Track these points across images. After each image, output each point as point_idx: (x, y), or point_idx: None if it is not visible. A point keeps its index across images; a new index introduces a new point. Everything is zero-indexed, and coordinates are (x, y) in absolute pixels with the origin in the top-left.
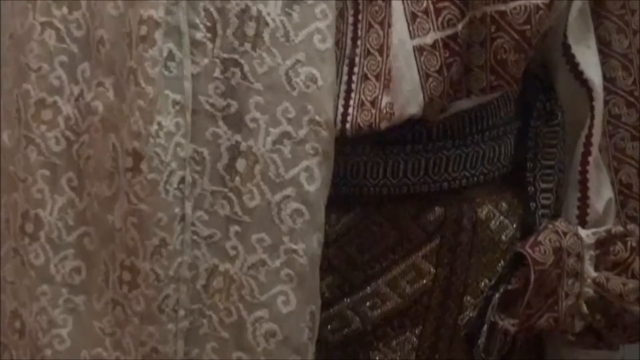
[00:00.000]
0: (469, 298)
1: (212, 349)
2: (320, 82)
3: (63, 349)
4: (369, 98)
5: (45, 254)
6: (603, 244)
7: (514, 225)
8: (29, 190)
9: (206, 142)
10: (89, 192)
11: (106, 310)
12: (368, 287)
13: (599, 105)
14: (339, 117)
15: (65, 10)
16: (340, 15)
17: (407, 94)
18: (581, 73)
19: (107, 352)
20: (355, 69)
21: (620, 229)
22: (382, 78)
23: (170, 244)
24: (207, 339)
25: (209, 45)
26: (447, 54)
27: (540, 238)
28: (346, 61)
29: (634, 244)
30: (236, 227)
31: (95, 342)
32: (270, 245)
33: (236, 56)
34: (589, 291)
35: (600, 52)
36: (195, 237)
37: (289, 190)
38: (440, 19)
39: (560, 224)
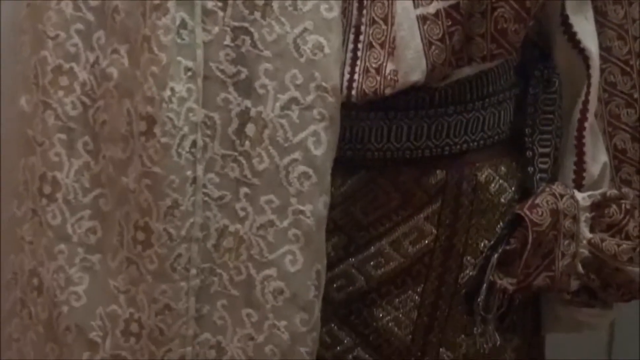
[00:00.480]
0: (469, 258)
1: (222, 306)
2: (327, 50)
3: (79, 305)
4: (374, 65)
5: (62, 214)
6: (598, 206)
7: (513, 189)
8: (46, 154)
9: (217, 108)
10: (104, 155)
11: (121, 268)
12: (372, 247)
13: (595, 73)
14: (345, 84)
15: None
16: None
17: (410, 61)
18: (578, 42)
19: (121, 308)
20: (361, 37)
21: (614, 192)
22: (387, 46)
23: (183, 205)
24: (218, 297)
25: (220, 13)
26: (449, 23)
27: (538, 200)
28: (352, 30)
29: (628, 207)
30: (246, 189)
31: (110, 299)
32: (279, 206)
33: (246, 24)
34: (584, 252)
35: (596, 22)
36: (206, 199)
37: (296, 154)
38: None
39: (557, 187)
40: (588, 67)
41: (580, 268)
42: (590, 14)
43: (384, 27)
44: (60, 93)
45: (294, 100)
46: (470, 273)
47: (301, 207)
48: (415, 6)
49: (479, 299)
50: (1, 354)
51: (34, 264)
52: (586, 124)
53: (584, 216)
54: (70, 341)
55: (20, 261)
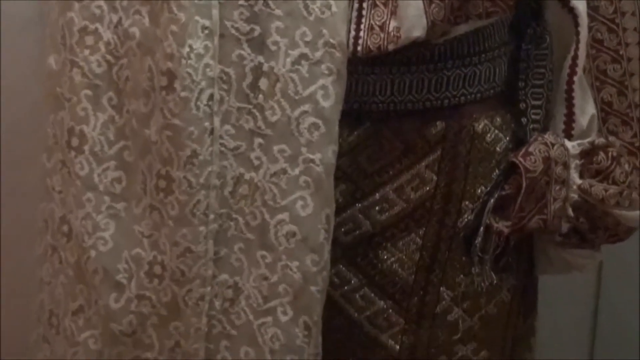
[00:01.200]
0: (467, 203)
1: (239, 249)
2: (334, 9)
3: (106, 249)
4: (378, 23)
5: (89, 165)
6: (587, 154)
7: (507, 138)
8: (74, 109)
9: (232, 63)
10: (127, 109)
11: (144, 214)
12: (377, 194)
13: (583, 31)
14: (351, 40)
15: None
16: None
17: (412, 19)
18: (568, 1)
19: (145, 252)
20: None
21: (602, 140)
22: (390, 5)
23: (201, 155)
24: (234, 240)
25: None
26: None
27: (531, 149)
28: None
29: (614, 154)
30: (259, 140)
31: (134, 244)
32: (290, 155)
33: None
34: (574, 196)
35: None
36: (222, 149)
37: (306, 106)
38: None
39: (549, 137)
40: (577, 25)
41: (570, 211)
42: None
43: None
44: (86, 52)
45: (303, 56)
46: (468, 217)
47: (311, 156)
48: None
49: (476, 241)
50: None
51: (63, 212)
52: (575, 78)
53: (574, 163)
54: (98, 283)
55: (50, 209)
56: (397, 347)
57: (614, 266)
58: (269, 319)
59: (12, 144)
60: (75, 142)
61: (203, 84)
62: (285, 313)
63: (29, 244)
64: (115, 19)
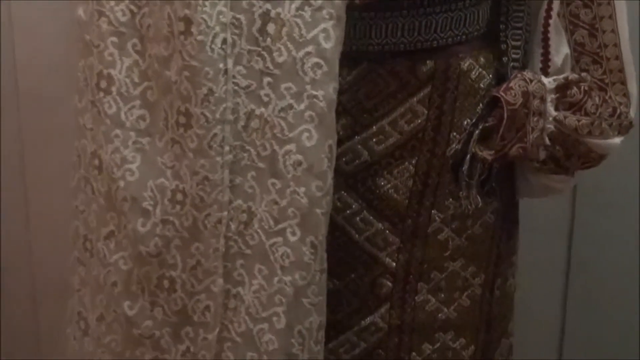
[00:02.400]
0: (454, 134)
1: (251, 177)
2: None
3: (133, 179)
4: None
5: (117, 104)
6: (562, 88)
7: (490, 76)
8: (102, 54)
9: (243, 10)
10: (149, 53)
11: (167, 148)
12: (374, 127)
13: None
14: None
15: None
16: None
17: None
18: None
19: (168, 181)
20: None
21: (575, 76)
22: None
23: (216, 93)
24: (247, 169)
25: None
26: None
27: (512, 84)
28: None
29: (586, 88)
30: (268, 79)
31: (158, 174)
32: (296, 92)
33: None
34: (551, 127)
35: None
36: (235, 87)
37: (310, 48)
38: None
39: (527, 74)
40: None
41: (547, 140)
42: None
43: None
44: (112, 2)
45: (306, 2)
46: (456, 146)
47: (315, 92)
48: None
49: (463, 168)
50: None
51: (94, 147)
52: (550, 21)
53: (550, 97)
54: (127, 210)
55: (82, 145)
56: (394, 263)
57: (588, 192)
58: (280, 239)
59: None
60: (103, 84)
61: (217, 28)
62: (293, 233)
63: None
64: None
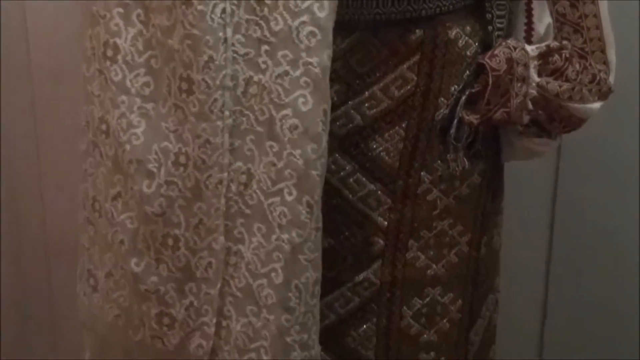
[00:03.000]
0: (442, 99)
1: (250, 140)
2: None
3: (139, 143)
4: None
5: (123, 72)
6: (544, 55)
7: (476, 44)
8: (108, 24)
9: None
10: (153, 23)
11: (170, 113)
12: (366, 92)
13: None
14: None
15: None
16: None
17: None
18: None
19: (172, 144)
20: None
21: (557, 44)
22: None
23: (217, 60)
24: (246, 133)
25: None
26: None
27: (496, 52)
28: None
29: (567, 55)
30: (266, 47)
31: (162, 138)
32: (292, 59)
33: None
34: (533, 92)
35: None
36: (234, 55)
37: (305, 17)
38: None
39: (511, 42)
40: None
41: (530, 105)
42: None
43: None
44: None
45: None
46: (444, 111)
47: (310, 60)
48: None
49: (451, 132)
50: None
51: (102, 113)
52: None
53: (533, 64)
54: (133, 172)
55: (90, 111)
56: (385, 223)
57: (573, 154)
58: (277, 199)
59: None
60: (110, 52)
61: None
62: (290, 194)
63: None
64: None
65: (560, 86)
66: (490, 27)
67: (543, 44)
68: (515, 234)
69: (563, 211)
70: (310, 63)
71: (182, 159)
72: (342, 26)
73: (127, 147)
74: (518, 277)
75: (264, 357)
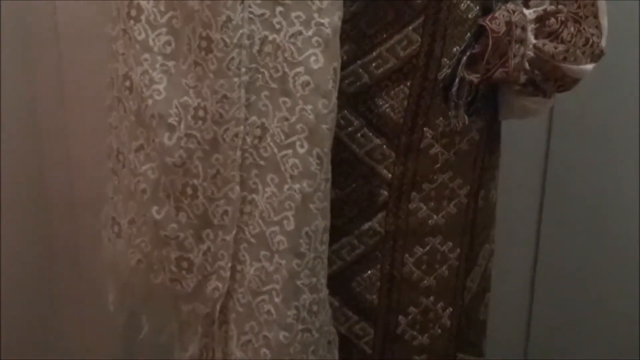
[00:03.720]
0: (445, 60)
1: (265, 96)
2: None
3: (160, 98)
4: None
5: (146, 31)
6: (541, 19)
7: (477, 8)
8: None
9: None
10: None
11: (190, 70)
12: (374, 52)
13: None
14: None
15: None
16: None
17: None
18: None
19: (191, 99)
20: None
21: (553, 8)
22: None
23: (234, 20)
24: (261, 89)
25: None
26: None
27: (496, 15)
28: None
29: (562, 19)
30: (280, 8)
31: (183, 93)
32: (305, 20)
33: None
34: (530, 53)
35: None
36: (251, 15)
37: None
38: None
39: (510, 5)
40: None
41: (527, 65)
42: None
43: None
44: None
45: None
46: (446, 71)
47: (321, 20)
48: None
49: (452, 90)
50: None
51: (125, 70)
52: None
53: (530, 27)
54: (155, 125)
55: (115, 69)
56: (390, 175)
57: (564, 119)
58: (290, 151)
59: None
60: (133, 13)
61: None
62: (302, 146)
63: None
64: None
65: (555, 48)
66: None
67: (540, 8)
68: (509, 191)
69: (555, 169)
70: (322, 24)
71: (201, 113)
72: None
73: (150, 102)
74: (511, 231)
75: (276, 299)
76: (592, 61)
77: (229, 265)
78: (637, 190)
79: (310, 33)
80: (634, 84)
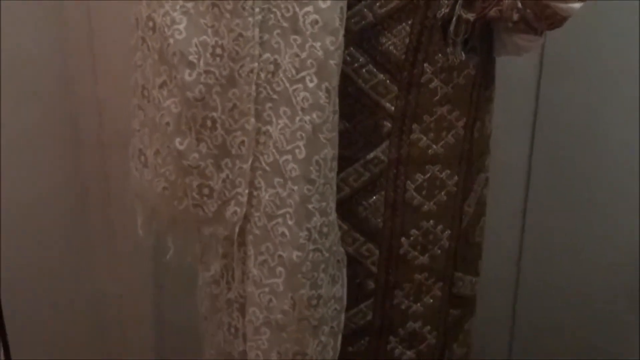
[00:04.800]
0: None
1: (277, 34)
2: None
3: (181, 38)
4: None
5: None
6: None
7: None
8: None
9: None
10: None
11: (207, 10)
12: None
13: None
14: None
15: None
16: None
17: None
18: None
19: (209, 38)
20: None
21: None
22: None
23: None
24: (274, 28)
25: None
26: None
27: None
28: None
29: None
30: None
31: (201, 32)
32: None
33: None
34: None
35: None
36: None
37: None
38: None
39: None
40: None
41: (519, 4)
42: None
43: None
44: None
45: None
46: (445, 10)
47: None
48: None
49: (450, 28)
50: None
51: (149, 12)
52: None
53: None
54: (176, 62)
55: (139, 10)
56: (393, 108)
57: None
58: (300, 85)
59: None
60: None
61: None
62: (311, 81)
63: None
64: None
65: None
66: None
67: None
68: (501, 125)
69: (546, 108)
70: None
71: (219, 51)
72: None
73: (171, 40)
74: (502, 161)
75: (289, 222)
76: (579, 0)
77: (246, 191)
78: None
79: None
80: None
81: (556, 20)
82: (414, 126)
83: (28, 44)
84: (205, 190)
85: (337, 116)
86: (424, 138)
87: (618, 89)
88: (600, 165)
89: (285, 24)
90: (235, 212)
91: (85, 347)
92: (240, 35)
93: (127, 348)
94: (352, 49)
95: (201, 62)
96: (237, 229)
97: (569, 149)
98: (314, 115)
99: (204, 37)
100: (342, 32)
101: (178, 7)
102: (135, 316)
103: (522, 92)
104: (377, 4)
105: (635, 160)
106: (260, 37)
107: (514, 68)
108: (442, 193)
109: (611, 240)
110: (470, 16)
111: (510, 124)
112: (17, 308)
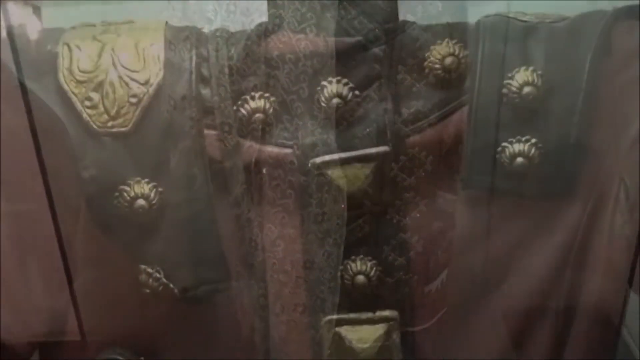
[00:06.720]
0: None
1: None
2: None
3: None
4: None
5: None
6: None
7: None
8: None
9: None
10: None
11: None
12: None
13: None
14: None
15: None
16: None
17: None
18: None
19: None
20: None
21: None
22: None
23: None
24: None
25: None
26: None
27: None
28: None
29: None
30: None
31: None
32: None
33: None
34: None
35: None
36: None
37: None
38: None
39: None
40: None
41: None
42: None
43: None
44: None
45: None
46: None
47: None
48: None
49: None
50: None
51: None
52: None
53: None
54: (197, 19)
55: None
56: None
57: None
58: (302, 35)
59: None
60: None
61: None
62: (311, 31)
63: None
64: None
65: None
66: None
67: None
68: None
69: None
70: None
71: (232, 8)
72: None
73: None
74: None
75: (297, 152)
76: None
77: (260, 127)
78: None
79: None
80: None
81: None
82: None
83: None
84: (226, 127)
85: (333, 61)
86: None
87: None
88: None
89: None
90: (251, 146)
91: None
92: None
93: None
94: (345, 2)
95: (218, 18)
96: (253, 160)
97: None
98: (315, 62)
99: None
100: None
101: None
102: None
103: None
104: None
105: None
106: None
107: None
108: None
109: None
110: None
111: None
112: None
